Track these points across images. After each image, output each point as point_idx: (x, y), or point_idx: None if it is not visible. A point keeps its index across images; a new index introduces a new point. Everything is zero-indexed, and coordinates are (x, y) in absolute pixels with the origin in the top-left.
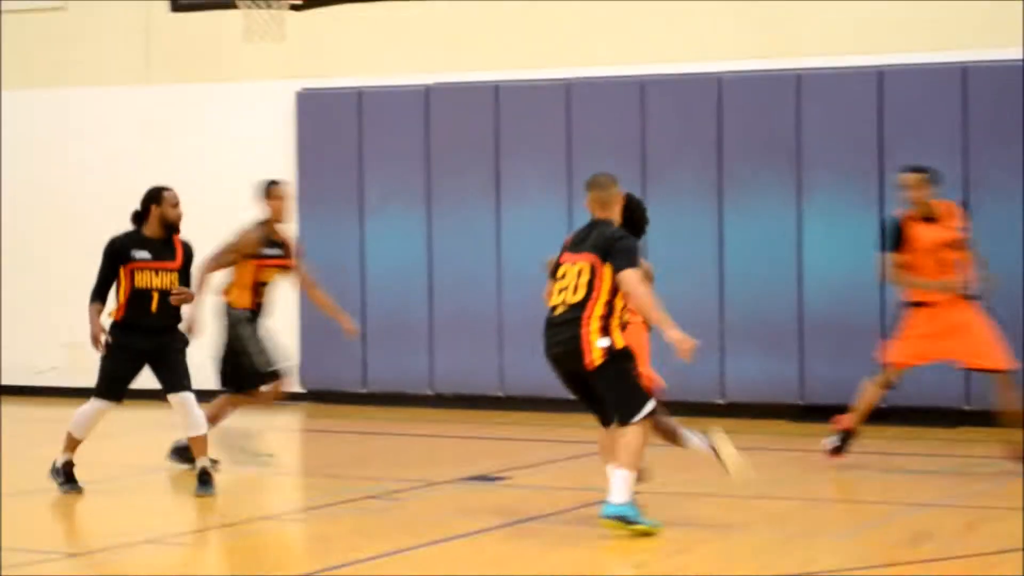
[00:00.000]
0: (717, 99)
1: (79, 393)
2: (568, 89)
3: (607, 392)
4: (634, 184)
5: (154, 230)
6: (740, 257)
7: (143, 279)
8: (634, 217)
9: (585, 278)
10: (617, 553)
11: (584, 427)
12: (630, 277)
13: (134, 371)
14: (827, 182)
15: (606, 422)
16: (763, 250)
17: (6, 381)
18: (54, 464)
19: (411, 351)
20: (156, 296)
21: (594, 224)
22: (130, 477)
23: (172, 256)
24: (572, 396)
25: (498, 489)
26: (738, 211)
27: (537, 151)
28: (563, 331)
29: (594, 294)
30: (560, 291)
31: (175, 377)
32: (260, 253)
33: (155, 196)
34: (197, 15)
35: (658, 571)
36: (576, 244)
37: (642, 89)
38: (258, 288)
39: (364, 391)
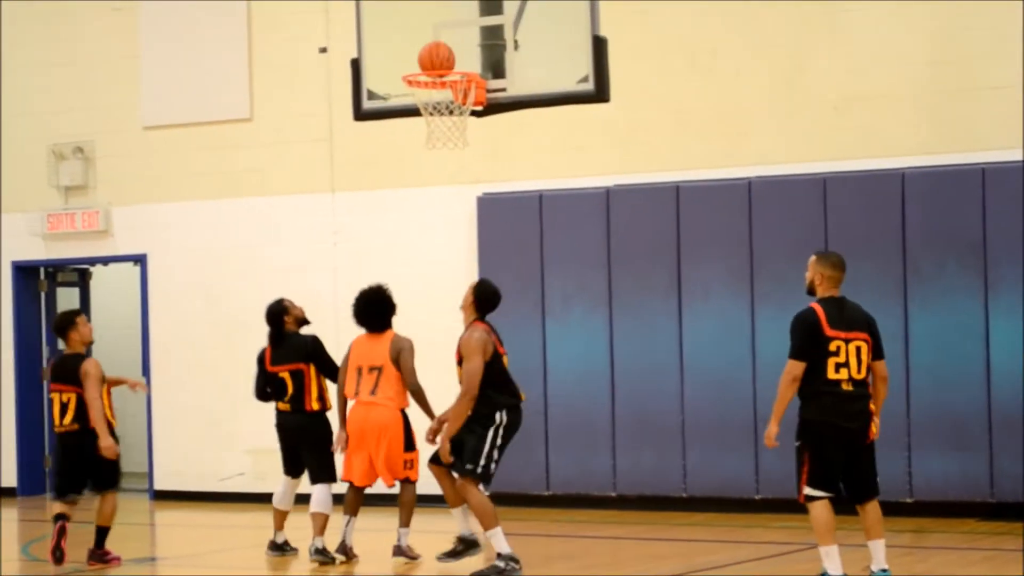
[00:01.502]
0: (901, 194)
1: (263, 499)
2: (749, 188)
3: (871, 465)
4: None
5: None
6: (926, 352)
7: None
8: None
9: (865, 357)
10: None
11: (767, 528)
12: (885, 366)
13: None
14: (1014, 276)
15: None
16: (949, 345)
17: (193, 487)
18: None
19: (594, 452)
20: None
21: (846, 301)
22: None
23: None
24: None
25: None
26: (923, 306)
27: (719, 250)
28: (858, 406)
29: (869, 372)
30: (839, 367)
31: None
32: None
33: (281, 308)
34: (379, 123)
35: None
36: (842, 321)
37: (825, 186)
38: None
39: (547, 493)
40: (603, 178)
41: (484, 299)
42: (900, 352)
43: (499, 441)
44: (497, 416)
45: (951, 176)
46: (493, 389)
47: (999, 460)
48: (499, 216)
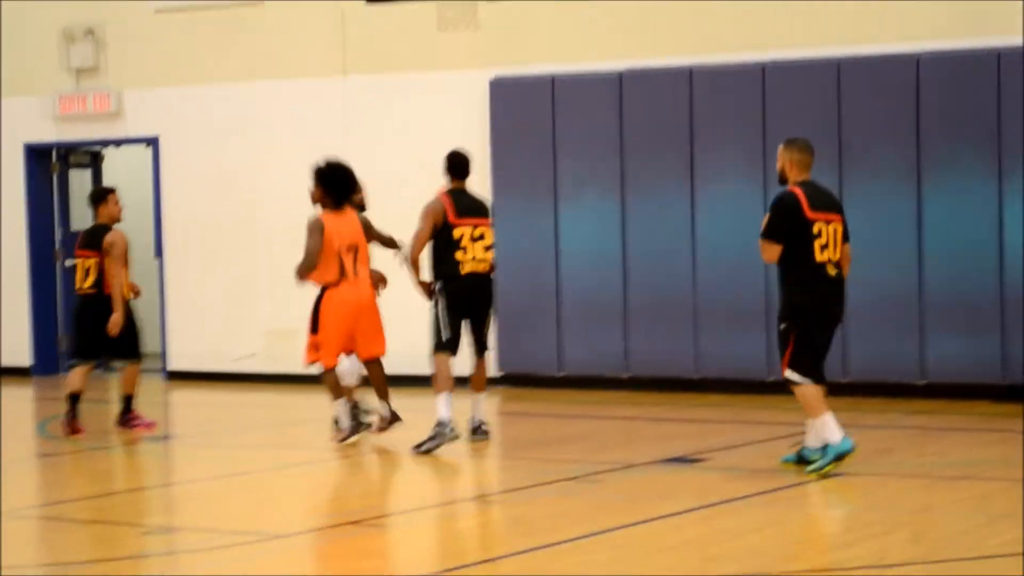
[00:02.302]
0: (915, 79)
1: (277, 379)
2: (763, 72)
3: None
4: (832, 166)
5: None
6: (940, 237)
7: None
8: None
9: (839, 239)
10: (814, 534)
11: (779, 409)
12: (850, 249)
13: None
14: None
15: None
16: (963, 230)
17: (206, 368)
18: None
19: (607, 335)
20: None
21: (819, 185)
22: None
23: None
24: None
25: (696, 470)
26: (937, 191)
27: (731, 134)
28: (840, 290)
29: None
30: (822, 248)
31: None
32: None
33: None
34: (391, 6)
35: (858, 553)
36: (821, 203)
37: (838, 70)
38: None
39: (560, 374)
40: (616, 62)
41: (448, 166)
42: (914, 236)
43: (444, 311)
44: (436, 286)
45: (966, 60)
46: (435, 260)
47: (1010, 343)
48: (511, 100)
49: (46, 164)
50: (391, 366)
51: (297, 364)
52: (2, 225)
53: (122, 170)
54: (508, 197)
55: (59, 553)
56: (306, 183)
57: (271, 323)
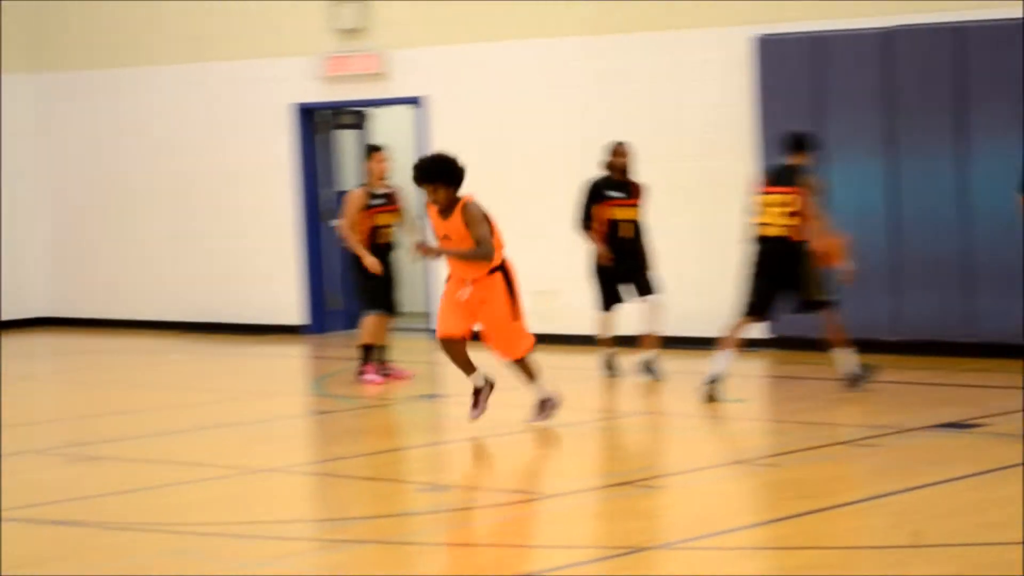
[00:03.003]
0: None
1: (543, 340)
2: None
3: None
4: None
5: (617, 175)
6: None
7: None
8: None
9: None
10: None
11: None
12: None
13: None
14: None
15: None
16: None
17: None
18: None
19: (875, 296)
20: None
21: None
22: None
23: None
24: None
25: (971, 436)
26: None
27: (1001, 92)
28: None
29: None
30: None
31: None
32: None
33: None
34: None
35: None
36: None
37: None
38: None
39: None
40: (884, 18)
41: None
42: None
43: (750, 275)
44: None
45: None
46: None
47: None
48: (777, 58)
49: (314, 124)
50: (698, 328)
51: (563, 325)
52: (272, 185)
53: (389, 130)
54: (774, 156)
55: (334, 509)
56: (562, 146)
57: (536, 283)
